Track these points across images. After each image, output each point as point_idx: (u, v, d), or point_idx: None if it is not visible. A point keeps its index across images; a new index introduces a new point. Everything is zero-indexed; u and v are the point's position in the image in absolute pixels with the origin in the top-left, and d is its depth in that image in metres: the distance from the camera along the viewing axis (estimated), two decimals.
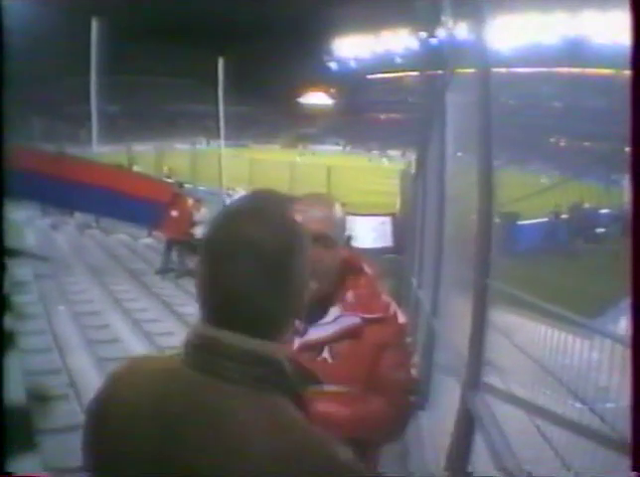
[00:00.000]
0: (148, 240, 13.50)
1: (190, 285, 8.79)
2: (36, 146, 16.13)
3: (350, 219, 1.68)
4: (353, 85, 65.09)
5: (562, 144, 36.90)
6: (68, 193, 10.06)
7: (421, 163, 5.92)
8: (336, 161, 29.33)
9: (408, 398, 1.53)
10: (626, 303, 1.19)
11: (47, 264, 9.98)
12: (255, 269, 0.81)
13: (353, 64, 68.65)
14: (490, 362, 2.16)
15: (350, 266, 1.56)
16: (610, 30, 37.37)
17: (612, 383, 1.43)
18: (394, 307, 1.56)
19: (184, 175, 19.13)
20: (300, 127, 58.30)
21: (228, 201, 13.38)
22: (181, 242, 10.58)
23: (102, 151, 19.77)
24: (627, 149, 1.19)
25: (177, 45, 52.20)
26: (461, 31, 3.16)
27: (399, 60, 61.64)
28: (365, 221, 11.29)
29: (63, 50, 38.23)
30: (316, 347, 1.49)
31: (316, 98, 67.35)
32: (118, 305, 8.14)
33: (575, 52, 43.41)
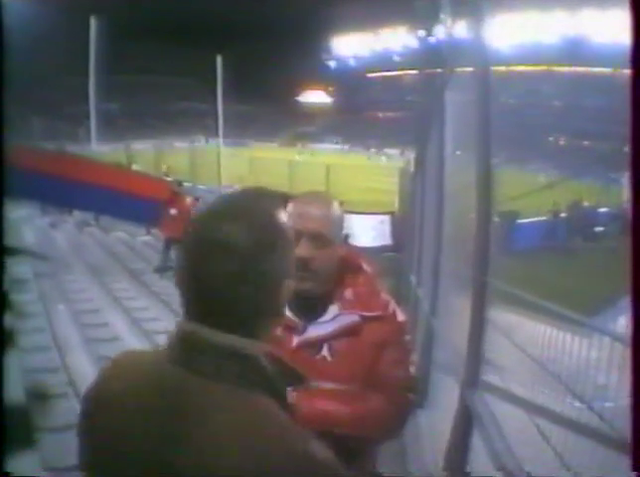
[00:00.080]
0: (146, 238, 13.49)
1: None
2: (35, 145, 16.10)
3: (349, 217, 1.67)
4: (352, 84, 65.04)
5: (562, 143, 36.92)
6: (66, 191, 10.02)
7: (420, 161, 5.91)
8: (335, 159, 29.36)
9: (407, 396, 1.53)
10: (625, 301, 1.19)
11: (46, 263, 9.96)
12: (229, 266, 0.82)
13: (352, 62, 68.59)
14: (489, 360, 2.16)
15: (349, 264, 1.56)
16: (610, 29, 37.36)
17: (611, 381, 1.43)
18: (392, 305, 1.56)
19: (183, 173, 19.14)
20: (299, 126, 58.19)
21: None
22: (180, 241, 10.56)
23: (101, 150, 19.78)
24: (626, 148, 1.18)
25: (176, 43, 52.22)
26: (460, 29, 3.15)
27: (398, 58, 61.59)
28: (364, 219, 11.31)
29: (62, 49, 38.22)
30: (315, 345, 1.48)
31: (315, 97, 67.28)
32: (118, 303, 8.13)
33: (575, 51, 43.43)
